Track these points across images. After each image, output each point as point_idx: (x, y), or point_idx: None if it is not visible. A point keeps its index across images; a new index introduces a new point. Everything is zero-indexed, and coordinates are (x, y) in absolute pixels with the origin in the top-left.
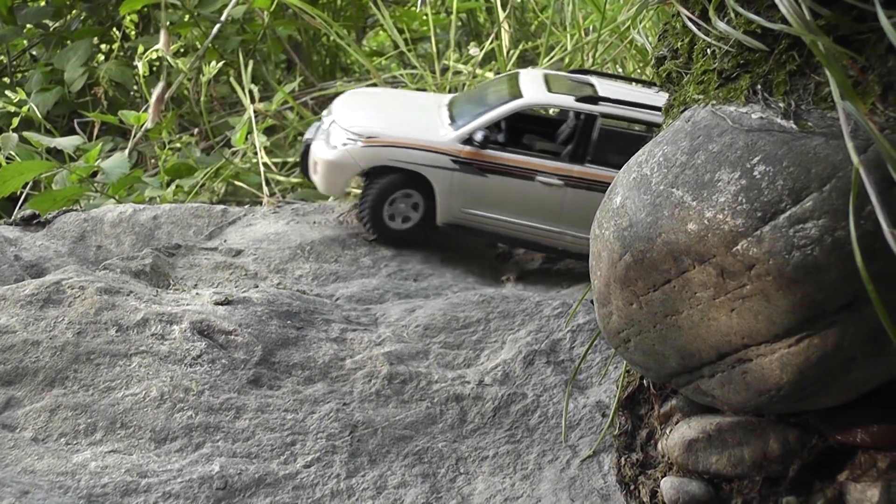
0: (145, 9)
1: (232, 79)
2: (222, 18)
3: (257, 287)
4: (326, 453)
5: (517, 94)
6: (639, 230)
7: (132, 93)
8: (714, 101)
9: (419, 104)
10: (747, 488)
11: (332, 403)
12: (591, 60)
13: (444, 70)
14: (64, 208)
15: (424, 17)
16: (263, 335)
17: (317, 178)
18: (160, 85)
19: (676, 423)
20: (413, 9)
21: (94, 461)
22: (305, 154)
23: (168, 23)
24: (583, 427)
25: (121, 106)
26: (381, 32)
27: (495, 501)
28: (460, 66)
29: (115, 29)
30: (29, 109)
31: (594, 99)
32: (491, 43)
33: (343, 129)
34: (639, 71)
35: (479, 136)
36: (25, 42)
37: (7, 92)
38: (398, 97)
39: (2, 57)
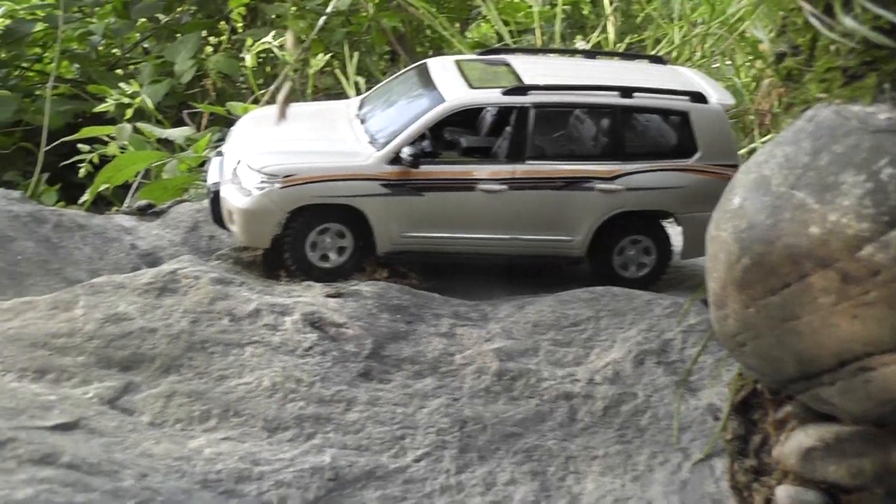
0: (253, 1)
1: (337, 70)
2: (328, 10)
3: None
4: (436, 448)
5: (435, 94)
6: (758, 232)
7: (239, 84)
8: (838, 101)
9: (328, 120)
10: (867, 501)
11: (442, 398)
12: (699, 53)
13: None
14: (178, 199)
15: (529, 9)
16: (374, 328)
17: (236, 229)
18: (285, 86)
19: (792, 429)
20: (519, 1)
21: (208, 447)
22: (215, 201)
23: (275, 15)
24: (694, 430)
25: (228, 97)
26: (483, 24)
27: (605, 502)
28: None
29: (223, 22)
30: (141, 101)
31: (522, 90)
32: (597, 36)
33: (255, 171)
34: (747, 64)
35: (407, 155)
36: (138, 35)
37: (121, 84)
38: (302, 115)
39: (116, 50)
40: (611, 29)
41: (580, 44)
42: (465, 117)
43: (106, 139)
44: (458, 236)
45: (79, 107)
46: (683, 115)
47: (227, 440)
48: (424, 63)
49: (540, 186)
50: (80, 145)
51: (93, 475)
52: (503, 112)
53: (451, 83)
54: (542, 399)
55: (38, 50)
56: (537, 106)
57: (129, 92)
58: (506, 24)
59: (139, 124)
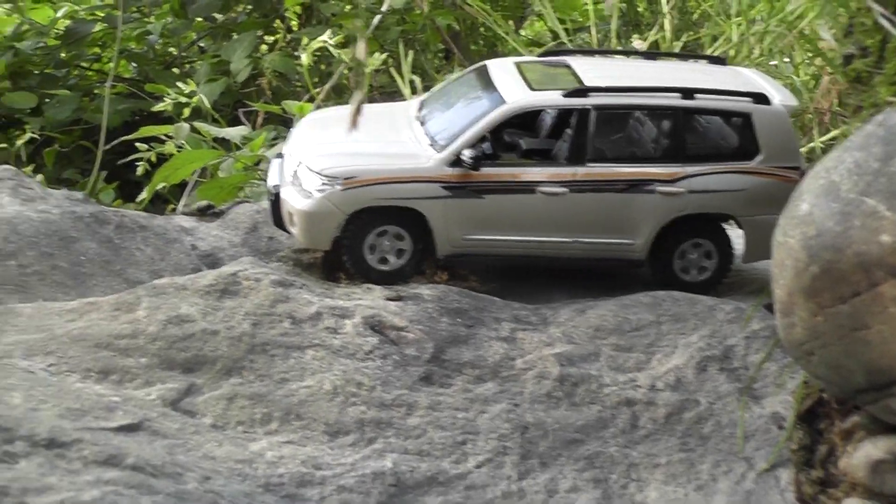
0: (308, 0)
1: (391, 68)
2: (383, 9)
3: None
4: (498, 454)
5: (495, 96)
6: (826, 240)
7: (294, 83)
8: None
9: (388, 122)
10: None
11: (503, 403)
12: (757, 51)
13: None
14: (237, 199)
15: (584, 7)
16: (434, 332)
17: (296, 230)
18: (357, 94)
19: (860, 441)
20: None
21: (270, 451)
22: (276, 203)
23: (330, 14)
24: (758, 438)
25: (283, 95)
26: (536, 21)
27: None
28: None
29: (278, 20)
30: (198, 100)
31: (583, 92)
32: (655, 34)
33: (315, 173)
34: (807, 62)
35: (468, 158)
36: (194, 34)
37: (179, 83)
38: (363, 117)
39: (172, 49)
40: (667, 27)
41: (637, 42)
42: (524, 119)
43: (163, 138)
44: (519, 239)
45: (136, 105)
46: (746, 117)
47: (288, 444)
48: (484, 64)
49: (601, 189)
50: (137, 144)
51: (157, 477)
52: (563, 114)
53: (512, 85)
54: (604, 405)
55: (97, 49)
56: (598, 108)
57: (187, 91)
58: (561, 22)
59: (196, 123)
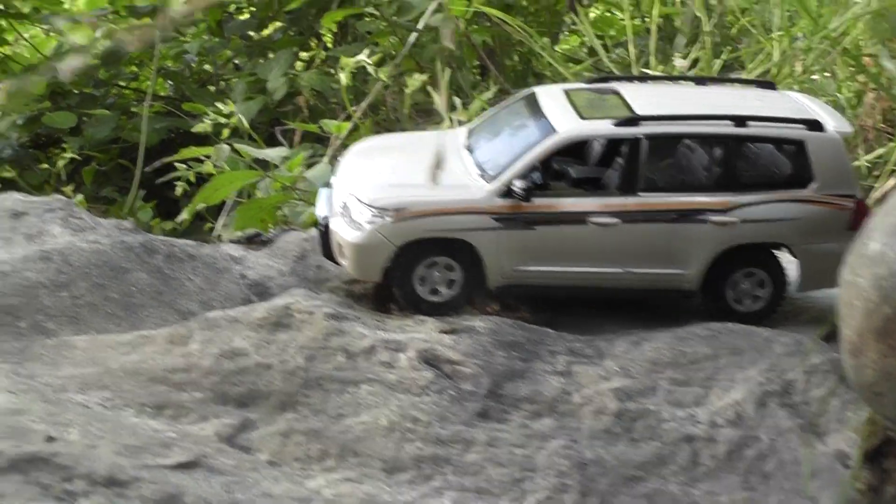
0: (344, 18)
1: (429, 86)
2: (419, 27)
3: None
4: (557, 491)
5: (545, 125)
6: None
7: (331, 101)
8: None
9: (437, 151)
10: None
11: (561, 439)
12: (799, 68)
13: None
14: (285, 227)
15: (620, 23)
16: (490, 366)
17: (346, 262)
18: (436, 157)
19: None
20: (611, 14)
21: (328, 488)
22: (325, 235)
23: (366, 32)
24: (823, 477)
25: (320, 114)
26: (571, 36)
27: None
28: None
29: (313, 38)
30: (237, 120)
31: (634, 120)
32: (697, 51)
33: (365, 205)
34: (849, 83)
35: (519, 189)
36: (229, 52)
37: (218, 104)
38: (411, 146)
39: (208, 67)
40: (707, 44)
41: (678, 61)
42: (574, 147)
43: (203, 158)
44: (570, 270)
45: (173, 123)
46: (799, 144)
47: (346, 481)
48: (533, 92)
49: (652, 219)
50: (177, 164)
51: None
52: (613, 142)
53: (562, 114)
54: (664, 441)
55: (134, 68)
56: (649, 137)
57: (226, 112)
58: (599, 38)
59: (237, 145)
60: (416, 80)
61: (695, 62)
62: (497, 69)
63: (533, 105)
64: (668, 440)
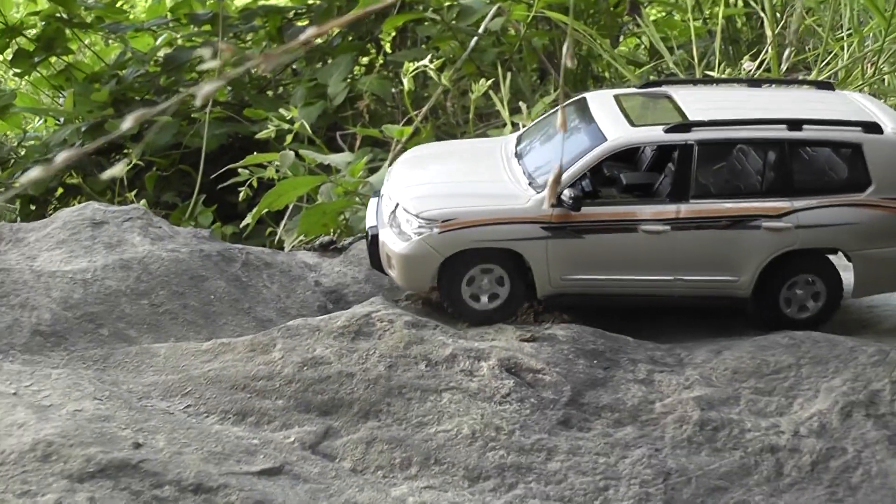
0: (404, 22)
1: (490, 91)
2: (479, 31)
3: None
4: (640, 500)
5: (595, 132)
6: None
7: (390, 105)
8: None
9: (483, 159)
10: None
11: (644, 448)
12: (871, 71)
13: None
14: (359, 235)
15: (683, 25)
16: (571, 375)
17: (395, 273)
18: (555, 170)
19: None
20: (671, 16)
21: (411, 496)
22: (374, 245)
23: (426, 36)
24: None
25: (380, 118)
26: (628, 39)
27: None
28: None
29: (371, 43)
30: (300, 126)
31: (686, 126)
32: (765, 54)
33: (412, 216)
34: None
35: (568, 198)
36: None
37: (281, 110)
38: (458, 154)
39: (268, 74)
40: (770, 47)
41: (747, 64)
42: (625, 152)
43: (265, 164)
44: (620, 278)
45: (232, 129)
46: (856, 147)
47: (429, 489)
48: (583, 98)
49: (705, 226)
50: (240, 170)
51: None
52: (665, 148)
53: (612, 120)
54: (747, 451)
55: (194, 75)
56: (701, 143)
57: (289, 117)
58: (663, 40)
59: (301, 150)
60: (481, 86)
61: (761, 64)
62: (556, 72)
63: (583, 111)
64: (752, 450)
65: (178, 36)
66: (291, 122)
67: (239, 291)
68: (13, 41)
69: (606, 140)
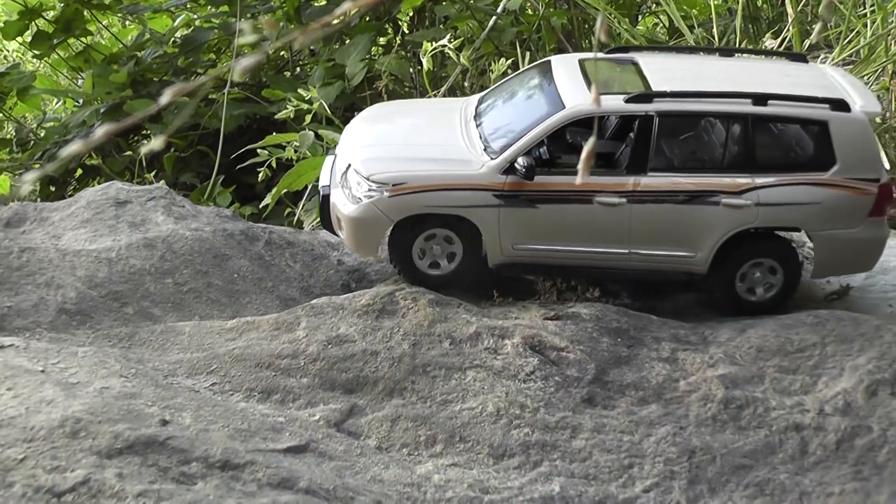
0: (423, 2)
1: (509, 70)
2: (498, 10)
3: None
4: (665, 478)
5: (555, 99)
6: None
7: (408, 86)
8: None
9: (441, 122)
10: None
11: (668, 426)
12: (895, 48)
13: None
14: None
15: (704, 3)
16: (595, 353)
17: (344, 235)
18: (590, 141)
19: None
20: None
21: (436, 474)
22: (325, 205)
23: (444, 16)
24: None
25: (398, 98)
26: (646, 18)
27: None
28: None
29: (389, 23)
30: (319, 106)
31: (647, 97)
32: (786, 31)
33: (363, 178)
34: None
35: (521, 166)
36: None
37: (300, 90)
38: (417, 115)
39: (284, 53)
40: (792, 24)
41: (769, 42)
42: (590, 119)
43: (284, 144)
44: (574, 249)
45: (250, 109)
46: (822, 125)
47: (454, 466)
48: (548, 61)
49: (661, 200)
50: (259, 150)
51: (330, 501)
52: (628, 118)
53: (574, 87)
54: (772, 429)
55: (212, 56)
56: (662, 115)
57: (308, 98)
58: (684, 18)
59: (321, 130)
60: (500, 65)
61: (783, 42)
62: (574, 51)
63: (546, 75)
64: (776, 428)
65: (196, 17)
66: (310, 102)
67: (262, 270)
68: (32, 23)
69: (564, 108)
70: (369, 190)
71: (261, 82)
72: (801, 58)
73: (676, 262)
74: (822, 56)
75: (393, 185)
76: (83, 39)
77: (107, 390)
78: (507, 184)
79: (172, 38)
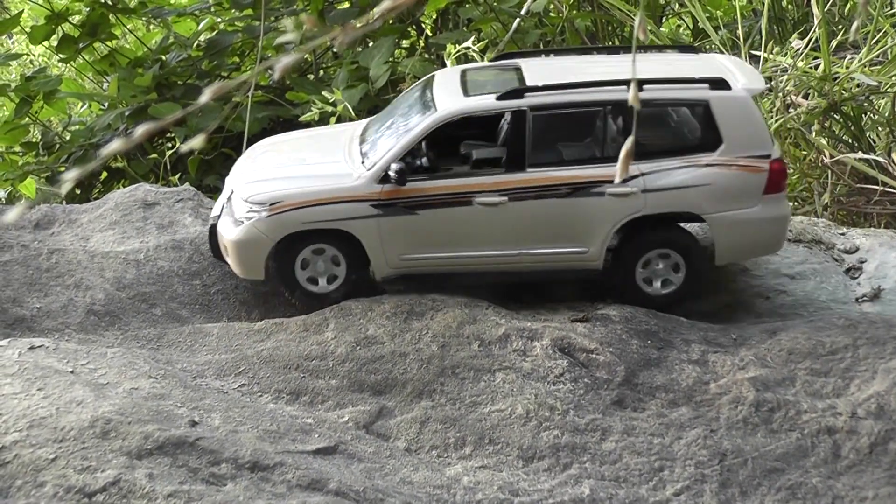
0: (447, 4)
1: None
2: (522, 12)
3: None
4: (696, 482)
5: (430, 106)
6: None
7: None
8: None
9: (326, 145)
10: None
11: (699, 429)
12: None
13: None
14: None
15: (729, 4)
16: (625, 355)
17: (231, 261)
18: (628, 142)
19: None
20: None
21: (466, 476)
22: (213, 234)
23: (467, 18)
24: None
25: None
26: (670, 20)
27: None
28: (779, 59)
29: (412, 26)
30: (343, 108)
31: (518, 92)
32: (813, 32)
33: (243, 201)
34: None
35: (395, 171)
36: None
37: (324, 92)
38: (301, 142)
39: (307, 56)
40: (819, 25)
41: (796, 42)
42: (485, 128)
43: None
44: (462, 255)
45: (274, 112)
46: (704, 105)
47: (483, 468)
48: (432, 75)
49: (543, 195)
50: None
51: (359, 503)
52: (514, 118)
53: (447, 93)
54: (803, 433)
55: (236, 59)
56: (535, 108)
57: (332, 100)
58: (709, 20)
59: None
60: None
61: (809, 43)
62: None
63: (427, 88)
64: (808, 432)
65: (220, 20)
66: (334, 104)
67: None
68: (59, 27)
69: (435, 111)
70: (248, 211)
71: (284, 85)
72: (691, 49)
73: (569, 259)
74: (849, 56)
75: (270, 205)
76: (108, 43)
77: (136, 391)
78: (384, 192)
79: (197, 42)
